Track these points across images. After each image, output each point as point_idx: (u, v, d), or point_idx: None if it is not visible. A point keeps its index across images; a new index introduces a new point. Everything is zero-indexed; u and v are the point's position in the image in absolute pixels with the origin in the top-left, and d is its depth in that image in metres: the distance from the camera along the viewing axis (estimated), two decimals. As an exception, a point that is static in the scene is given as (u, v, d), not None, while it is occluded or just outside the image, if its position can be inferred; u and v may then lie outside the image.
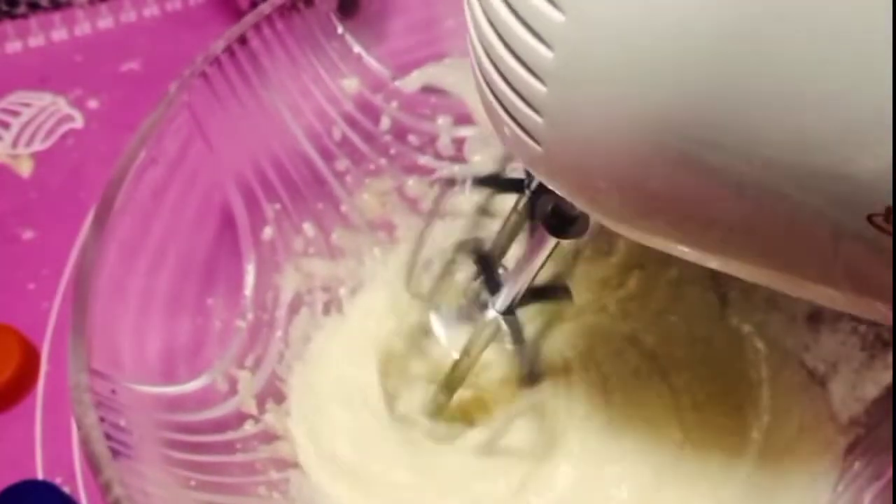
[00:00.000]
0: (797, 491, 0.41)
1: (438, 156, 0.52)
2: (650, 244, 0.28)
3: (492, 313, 0.40)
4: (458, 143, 0.52)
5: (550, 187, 0.28)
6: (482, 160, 0.52)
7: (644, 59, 0.21)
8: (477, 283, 0.44)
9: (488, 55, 0.24)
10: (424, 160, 0.52)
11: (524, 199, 0.41)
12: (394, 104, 0.50)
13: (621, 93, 0.22)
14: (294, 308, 0.47)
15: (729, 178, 0.22)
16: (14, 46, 0.65)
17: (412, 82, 0.50)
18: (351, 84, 0.49)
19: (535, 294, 0.41)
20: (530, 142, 0.25)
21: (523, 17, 0.22)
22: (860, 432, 0.40)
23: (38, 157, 0.60)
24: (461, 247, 0.42)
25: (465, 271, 0.44)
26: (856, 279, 0.25)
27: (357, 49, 0.48)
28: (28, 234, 0.56)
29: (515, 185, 0.41)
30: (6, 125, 0.61)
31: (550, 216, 0.33)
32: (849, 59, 0.19)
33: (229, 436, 0.41)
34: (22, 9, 0.66)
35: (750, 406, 0.46)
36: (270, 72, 0.45)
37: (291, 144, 0.47)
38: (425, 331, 0.45)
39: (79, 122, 0.61)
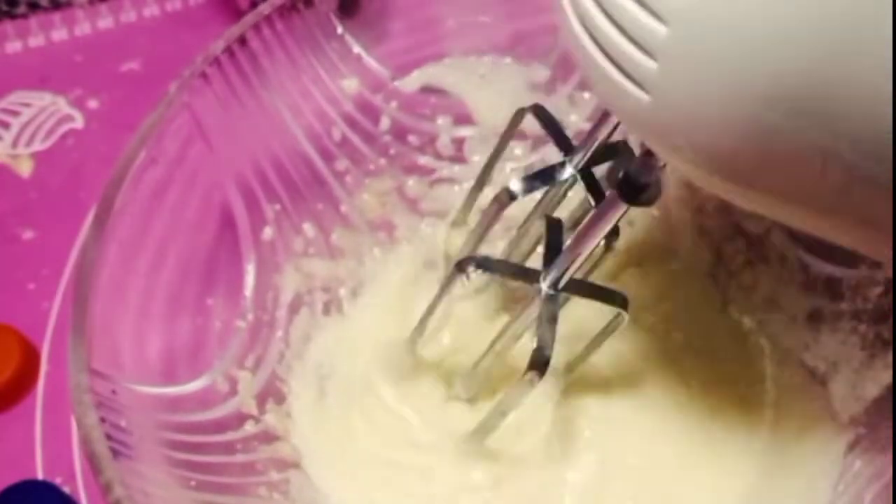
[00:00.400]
0: (797, 490, 0.41)
1: (438, 156, 0.52)
2: (726, 196, 0.29)
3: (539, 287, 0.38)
4: (458, 142, 0.52)
5: (646, 140, 0.28)
6: (482, 160, 0.52)
7: (757, 26, 0.22)
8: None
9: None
10: (424, 160, 0.52)
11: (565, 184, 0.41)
12: (393, 104, 0.50)
13: (735, 56, 0.22)
14: (294, 308, 0.47)
15: (820, 151, 0.23)
16: (14, 46, 0.65)
17: (412, 82, 0.50)
18: (351, 84, 0.49)
19: (591, 290, 0.40)
20: (637, 91, 0.25)
21: None
22: (860, 431, 0.40)
23: (38, 157, 0.60)
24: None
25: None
26: None
27: (357, 49, 0.48)
28: (28, 234, 0.56)
29: (551, 175, 0.41)
30: (6, 125, 0.61)
31: (623, 182, 0.33)
32: None
33: (229, 436, 0.41)
34: (22, 9, 0.66)
35: (755, 401, 0.46)
36: (270, 72, 0.45)
37: (291, 145, 0.47)
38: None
39: (79, 122, 0.61)
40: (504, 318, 0.45)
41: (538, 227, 0.43)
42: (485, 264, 0.40)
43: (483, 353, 0.42)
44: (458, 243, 0.47)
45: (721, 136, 0.24)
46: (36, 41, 0.65)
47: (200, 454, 0.38)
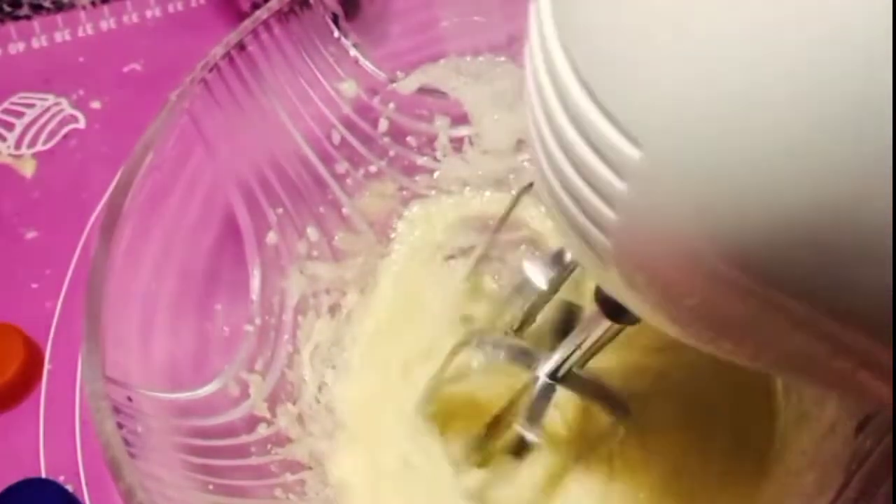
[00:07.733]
0: (809, 472, 0.41)
1: (437, 156, 0.53)
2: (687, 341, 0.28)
3: (537, 374, 0.38)
4: (457, 142, 0.53)
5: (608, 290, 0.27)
6: (481, 160, 0.53)
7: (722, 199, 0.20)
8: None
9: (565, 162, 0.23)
10: (423, 161, 0.52)
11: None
12: (391, 106, 0.51)
13: (698, 224, 0.21)
14: (300, 311, 0.47)
15: (790, 319, 0.22)
16: (17, 47, 0.65)
17: (409, 84, 0.51)
18: (349, 87, 0.49)
19: (591, 390, 0.39)
20: (605, 208, 0.23)
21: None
22: (861, 435, 0.40)
23: (40, 158, 0.60)
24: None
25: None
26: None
27: (354, 52, 0.49)
28: (31, 234, 0.57)
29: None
30: (9, 126, 0.62)
31: (605, 298, 0.32)
32: None
33: (243, 439, 0.41)
34: (25, 10, 0.66)
35: (761, 385, 0.46)
36: (269, 77, 0.45)
37: (292, 149, 0.47)
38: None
39: (81, 123, 0.62)
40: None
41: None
42: (485, 345, 0.40)
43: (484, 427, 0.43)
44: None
45: (686, 282, 0.22)
46: (39, 42, 0.66)
47: (215, 458, 0.38)
